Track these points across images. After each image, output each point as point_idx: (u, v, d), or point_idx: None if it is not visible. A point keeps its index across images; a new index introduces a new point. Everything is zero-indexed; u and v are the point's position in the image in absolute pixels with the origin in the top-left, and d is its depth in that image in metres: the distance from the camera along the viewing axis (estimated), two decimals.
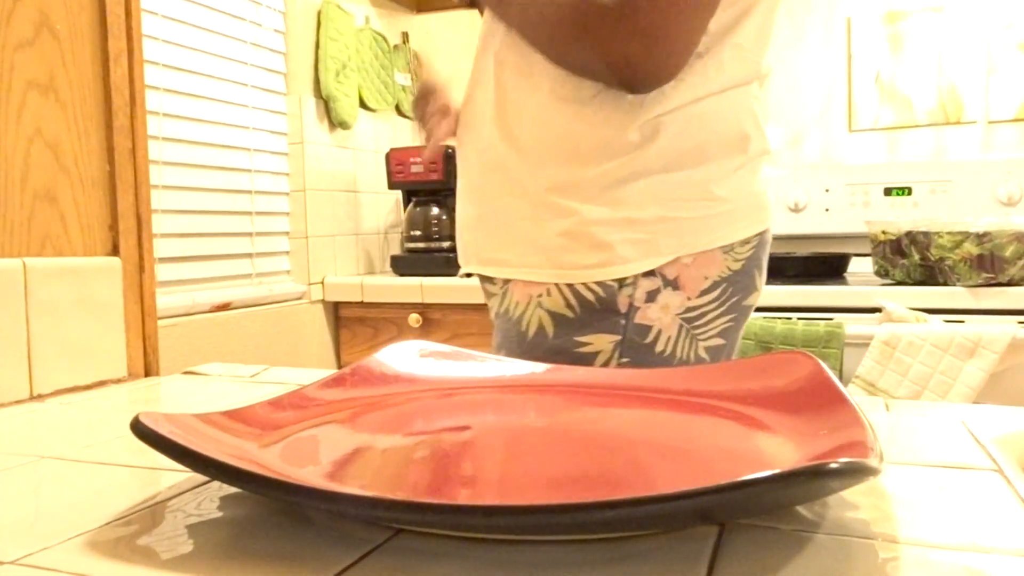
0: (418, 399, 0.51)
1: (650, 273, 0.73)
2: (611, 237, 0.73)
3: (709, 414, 0.46)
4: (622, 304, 0.74)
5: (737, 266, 0.76)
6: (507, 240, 0.78)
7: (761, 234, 0.78)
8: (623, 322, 0.74)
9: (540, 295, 0.76)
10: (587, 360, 0.75)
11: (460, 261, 0.88)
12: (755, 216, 0.77)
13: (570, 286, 0.74)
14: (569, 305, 0.75)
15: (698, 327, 0.76)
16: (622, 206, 0.73)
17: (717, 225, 0.75)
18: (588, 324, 0.74)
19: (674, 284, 0.74)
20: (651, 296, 0.74)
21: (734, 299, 0.77)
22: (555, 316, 0.75)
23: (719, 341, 0.78)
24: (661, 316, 0.74)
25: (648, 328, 0.74)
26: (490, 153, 0.79)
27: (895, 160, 2.11)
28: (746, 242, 0.76)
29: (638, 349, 0.74)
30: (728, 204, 0.75)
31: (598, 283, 0.74)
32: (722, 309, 0.76)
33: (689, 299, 0.75)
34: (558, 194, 0.75)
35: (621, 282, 0.74)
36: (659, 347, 0.74)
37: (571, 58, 0.72)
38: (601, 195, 0.73)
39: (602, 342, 0.74)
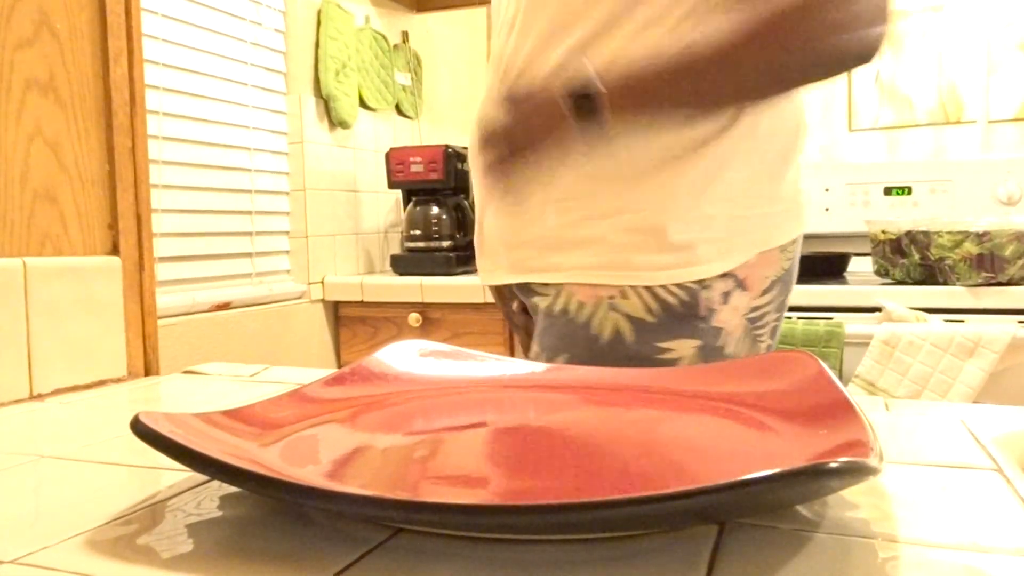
0: (418, 399, 0.51)
1: (724, 274, 0.71)
2: (690, 236, 0.70)
3: (709, 414, 0.46)
4: (702, 307, 0.71)
5: (787, 265, 0.76)
6: (562, 242, 0.74)
7: (801, 233, 0.78)
8: (702, 325, 0.71)
9: (612, 297, 0.71)
10: (667, 366, 0.71)
11: (494, 274, 0.81)
12: (802, 214, 0.77)
13: (648, 288, 0.70)
14: (649, 309, 0.71)
15: (758, 327, 0.75)
16: (702, 202, 0.70)
17: (779, 224, 0.74)
18: (670, 329, 0.71)
19: (743, 284, 0.72)
20: (725, 297, 0.72)
21: (782, 297, 0.77)
22: (634, 321, 0.71)
23: (769, 341, 0.77)
24: (731, 318, 0.72)
25: (720, 331, 0.72)
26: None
27: (895, 160, 2.11)
28: (793, 241, 0.76)
29: (713, 352, 0.72)
30: (786, 203, 0.75)
31: (678, 285, 0.70)
32: (775, 307, 0.76)
33: (753, 299, 0.73)
34: (644, 179, 0.70)
35: (700, 284, 0.71)
36: (728, 349, 0.73)
37: (831, 64, 0.65)
38: (681, 188, 0.70)
39: (684, 347, 0.71)
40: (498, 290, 0.94)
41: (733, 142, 0.70)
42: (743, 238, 0.72)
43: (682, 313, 0.71)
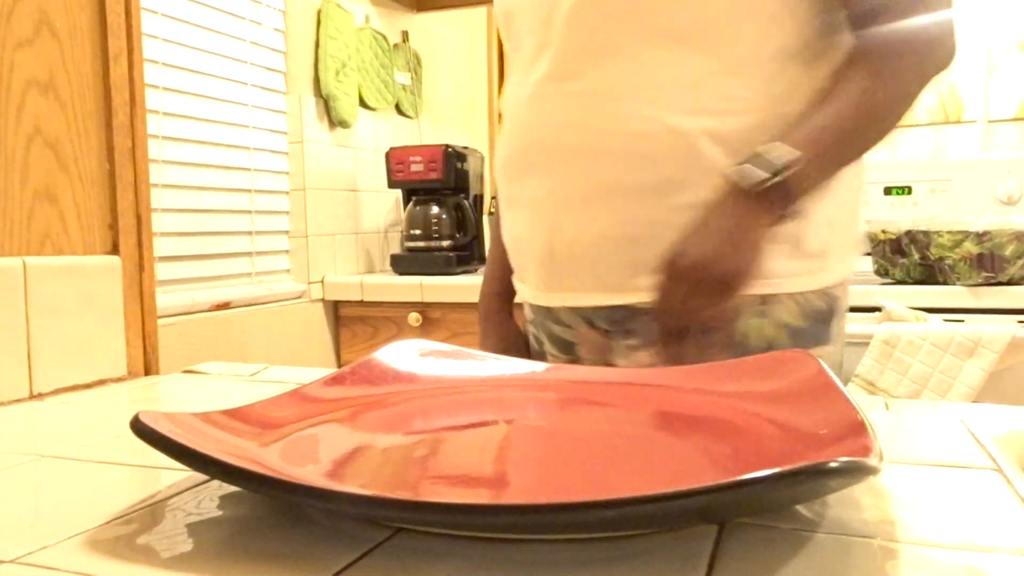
0: (418, 398, 0.51)
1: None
2: (822, 242, 0.69)
3: (709, 413, 0.46)
4: (834, 311, 0.70)
5: None
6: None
7: None
8: (832, 330, 0.71)
9: (758, 304, 0.68)
10: None
11: (577, 295, 0.73)
12: None
13: (791, 296, 0.68)
14: (804, 315, 0.69)
15: (842, 328, 0.75)
16: (825, 206, 0.68)
17: (862, 219, 0.75)
18: (817, 335, 0.70)
19: (844, 285, 0.72)
20: (841, 301, 0.72)
21: None
22: (790, 329, 0.68)
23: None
24: (841, 319, 0.72)
25: (838, 334, 0.72)
26: (650, 150, 0.67)
27: (895, 159, 2.11)
28: None
29: (832, 358, 0.72)
30: (862, 197, 0.75)
31: (819, 291, 0.69)
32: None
33: (847, 299, 0.74)
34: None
35: (833, 288, 0.70)
36: (839, 354, 0.73)
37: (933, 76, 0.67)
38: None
39: (825, 354, 0.70)
40: (509, 307, 0.91)
41: None
42: (855, 238, 0.72)
43: (826, 318, 0.70)
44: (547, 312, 0.79)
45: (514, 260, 0.82)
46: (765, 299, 0.68)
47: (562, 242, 0.71)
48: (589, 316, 0.74)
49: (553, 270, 0.73)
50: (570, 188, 0.70)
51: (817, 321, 0.69)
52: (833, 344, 0.71)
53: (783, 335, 0.69)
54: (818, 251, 0.69)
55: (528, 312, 0.85)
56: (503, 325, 0.90)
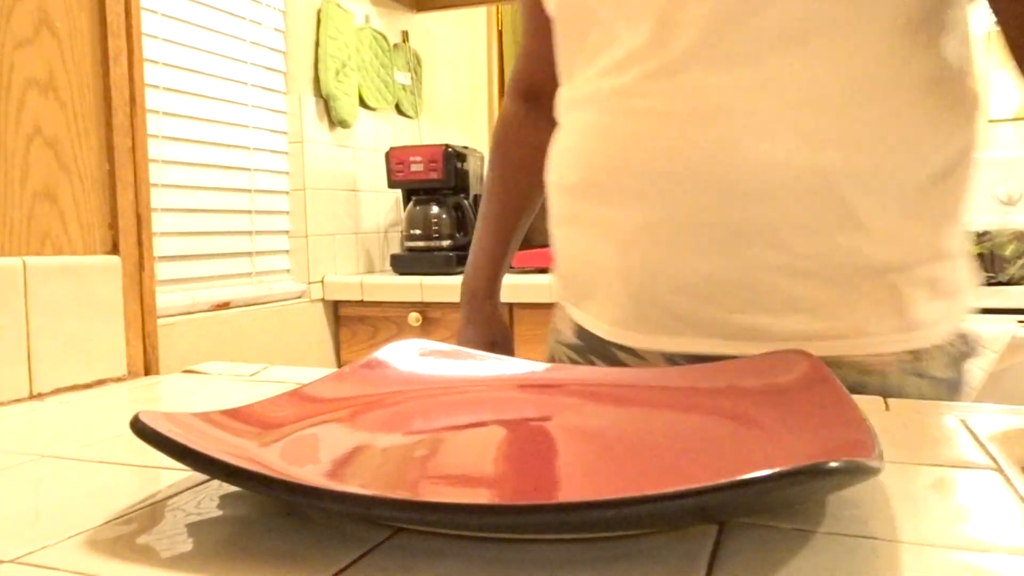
0: (418, 398, 0.51)
1: None
2: (955, 279, 0.61)
3: (709, 413, 0.46)
4: (974, 351, 0.64)
5: None
6: (829, 301, 0.58)
7: None
8: (971, 369, 0.64)
9: (910, 361, 0.60)
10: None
11: (672, 337, 0.62)
12: None
13: (939, 347, 0.61)
14: (948, 364, 0.62)
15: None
16: (960, 225, 0.61)
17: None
18: (962, 381, 0.63)
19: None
20: None
21: None
22: (939, 381, 0.61)
23: None
24: (975, 357, 0.67)
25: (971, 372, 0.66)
26: (783, 174, 0.56)
27: None
28: None
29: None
30: None
31: (959, 333, 0.62)
32: None
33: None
34: (916, 218, 0.58)
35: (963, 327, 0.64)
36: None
37: None
38: (954, 212, 0.60)
39: (966, 397, 0.64)
40: (497, 291, 0.88)
41: (969, 166, 0.62)
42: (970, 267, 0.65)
43: (964, 359, 0.64)
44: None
45: (574, 282, 0.72)
46: (916, 355, 0.60)
47: (660, 280, 0.61)
48: (676, 357, 0.64)
49: (644, 309, 0.63)
50: (674, 221, 0.59)
51: (960, 364, 0.63)
52: (972, 384, 0.66)
53: (936, 390, 0.61)
54: (952, 290, 0.62)
55: (569, 335, 0.74)
56: (491, 306, 0.87)
